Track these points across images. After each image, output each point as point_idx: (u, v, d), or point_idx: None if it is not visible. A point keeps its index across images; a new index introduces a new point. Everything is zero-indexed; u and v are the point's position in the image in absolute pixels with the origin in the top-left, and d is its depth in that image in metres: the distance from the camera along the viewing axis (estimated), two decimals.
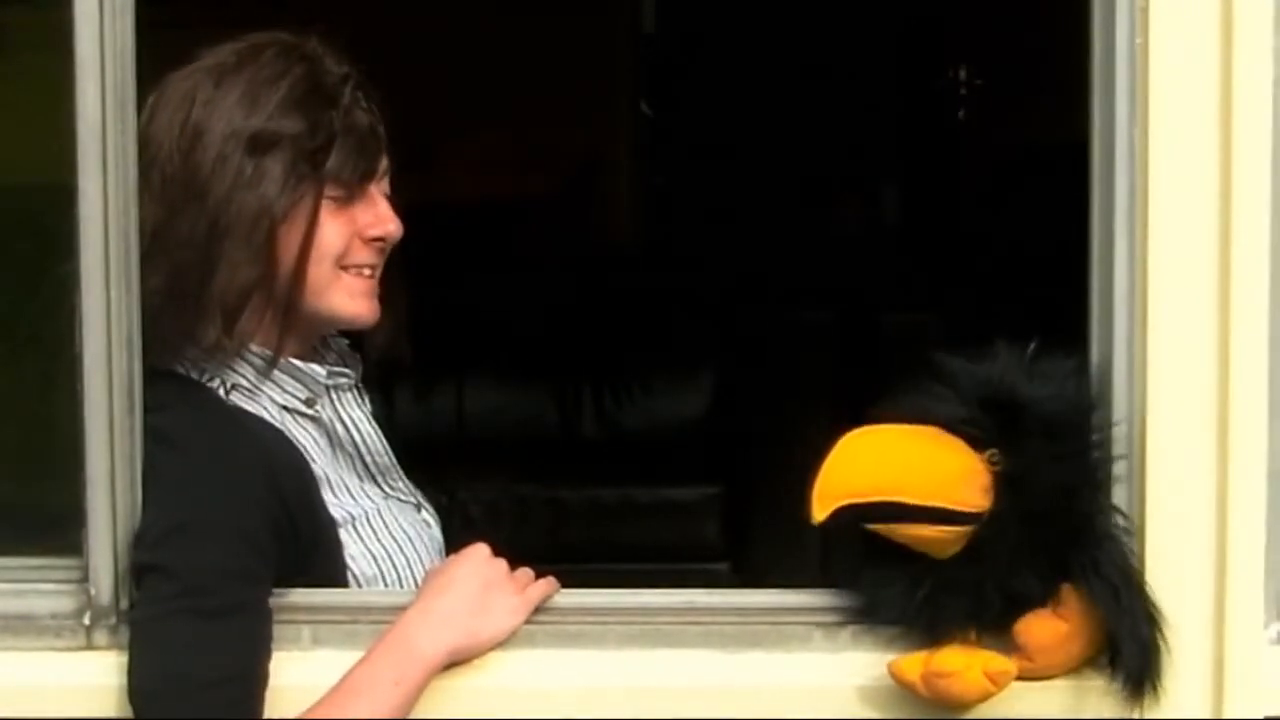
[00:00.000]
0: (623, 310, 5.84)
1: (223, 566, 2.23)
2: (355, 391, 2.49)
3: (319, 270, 2.36)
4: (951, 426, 2.21)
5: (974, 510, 2.19)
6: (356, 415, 2.47)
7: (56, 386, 2.37)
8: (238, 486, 2.28)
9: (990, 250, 6.67)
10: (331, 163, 2.34)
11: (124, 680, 2.25)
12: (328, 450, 2.44)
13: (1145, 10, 2.25)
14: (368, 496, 2.46)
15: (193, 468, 2.30)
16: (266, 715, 2.24)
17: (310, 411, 2.42)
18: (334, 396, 2.45)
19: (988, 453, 2.21)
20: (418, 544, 2.48)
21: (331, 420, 2.44)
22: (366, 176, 2.38)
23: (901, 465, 2.19)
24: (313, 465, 2.39)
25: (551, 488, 5.27)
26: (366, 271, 2.40)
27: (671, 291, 5.95)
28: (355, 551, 2.40)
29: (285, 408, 2.41)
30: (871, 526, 2.21)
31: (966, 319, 6.09)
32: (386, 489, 2.50)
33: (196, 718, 2.19)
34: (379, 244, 2.40)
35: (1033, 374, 2.24)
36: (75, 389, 2.32)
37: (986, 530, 2.20)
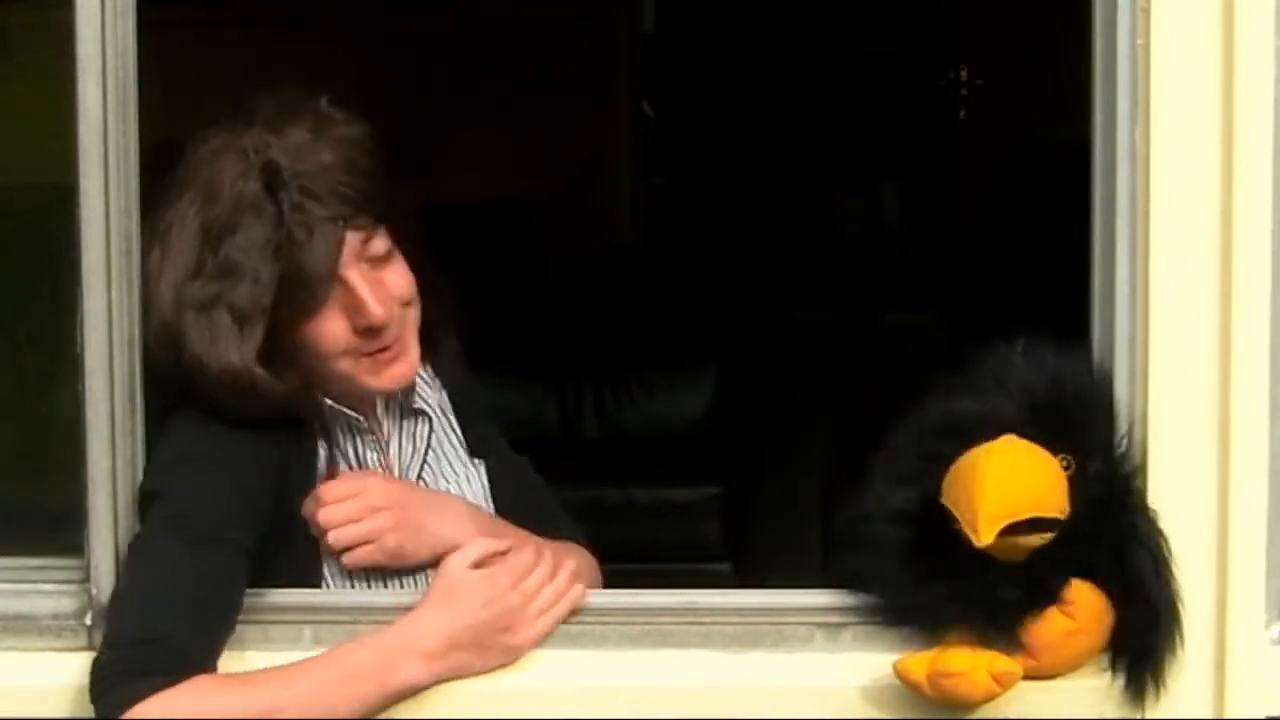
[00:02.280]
0: (623, 310, 5.83)
1: (207, 501, 2.27)
2: (374, 436, 2.47)
3: (328, 364, 2.36)
4: (1027, 431, 2.23)
5: (1066, 515, 2.22)
6: (371, 459, 2.46)
7: (58, 386, 2.37)
8: (244, 442, 2.31)
9: (990, 250, 6.68)
10: (279, 310, 2.32)
11: None
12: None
13: (1147, 11, 2.25)
14: None
15: (208, 419, 2.32)
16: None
17: (322, 436, 2.43)
18: (353, 434, 2.45)
19: (1061, 457, 2.23)
20: (406, 581, 2.45)
21: (346, 450, 2.44)
22: (308, 313, 2.33)
23: (1038, 483, 2.20)
24: (319, 462, 2.40)
25: (552, 488, 5.26)
26: (385, 351, 2.37)
27: (671, 291, 5.95)
28: (335, 570, 2.41)
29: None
30: (1000, 540, 2.21)
31: (966, 319, 6.09)
32: None
33: (154, 625, 2.22)
34: (374, 332, 2.35)
35: (1078, 373, 2.27)
36: (77, 389, 2.33)
37: (1062, 531, 2.22)
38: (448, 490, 2.52)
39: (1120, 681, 2.26)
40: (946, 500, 2.20)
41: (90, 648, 2.33)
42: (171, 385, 2.35)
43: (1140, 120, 2.27)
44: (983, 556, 2.21)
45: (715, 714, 2.32)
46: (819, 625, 2.34)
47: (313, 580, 2.38)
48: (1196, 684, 2.28)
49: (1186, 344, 2.28)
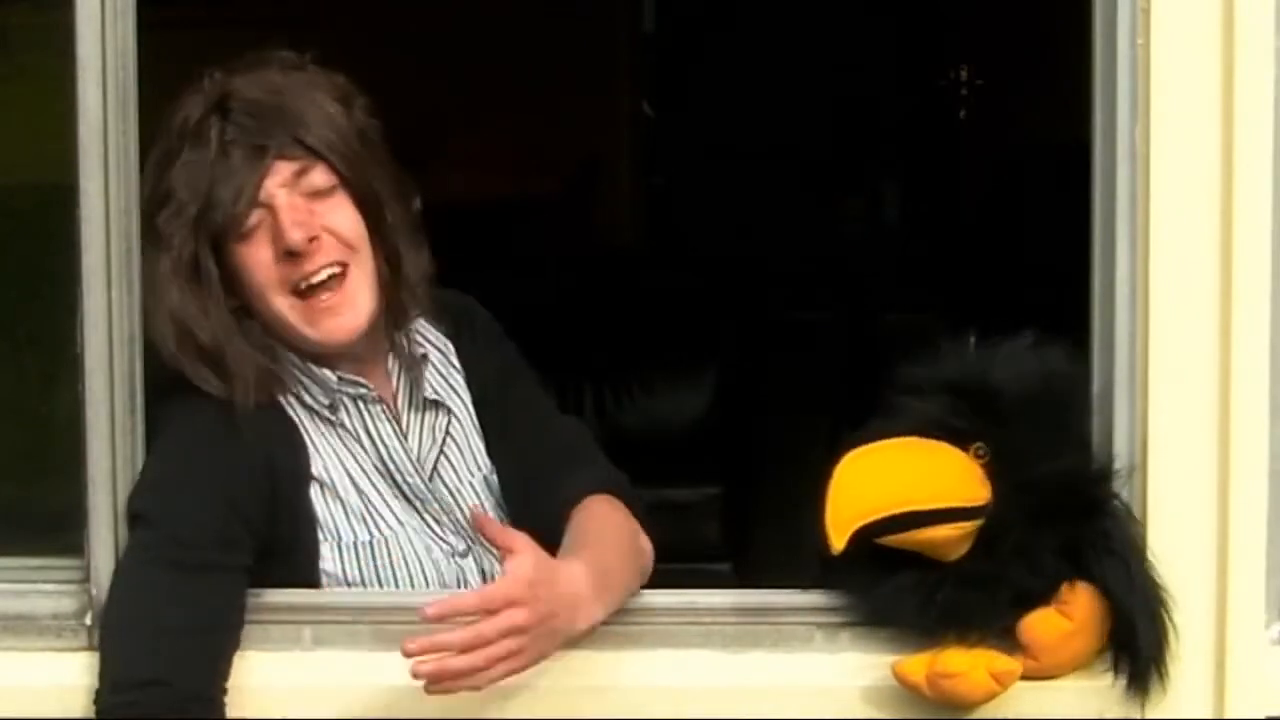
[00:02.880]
0: (623, 310, 5.83)
1: (202, 523, 2.26)
2: (384, 405, 2.46)
3: (265, 303, 2.36)
4: (929, 431, 2.23)
5: (978, 504, 2.20)
6: (385, 430, 2.46)
7: (57, 386, 2.37)
8: (235, 457, 2.30)
9: (990, 250, 6.67)
10: (201, 231, 2.34)
11: None
12: (350, 459, 2.43)
13: (1147, 11, 2.26)
14: (396, 517, 2.43)
15: (194, 433, 2.33)
16: (272, 715, 2.25)
17: (331, 416, 2.42)
18: (361, 407, 2.45)
19: (973, 447, 2.22)
20: (416, 581, 2.43)
21: (357, 430, 2.44)
22: (229, 233, 2.35)
23: (901, 476, 2.20)
24: (316, 466, 2.39)
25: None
26: (328, 287, 2.36)
27: (671, 291, 5.95)
28: (332, 569, 2.40)
29: (314, 409, 2.42)
30: (886, 539, 2.20)
31: (966, 319, 6.08)
32: (429, 519, 2.46)
33: (158, 665, 2.20)
34: (294, 256, 2.34)
35: (995, 359, 2.26)
36: (76, 389, 2.33)
37: (991, 522, 2.20)
38: (470, 481, 2.51)
39: (1120, 681, 2.26)
40: None
41: (90, 648, 2.33)
42: (157, 379, 2.36)
43: (1140, 120, 2.27)
44: (925, 558, 2.21)
45: (715, 714, 2.32)
46: (819, 625, 2.34)
47: (312, 571, 2.38)
48: (1196, 684, 2.28)
49: (1186, 344, 2.28)
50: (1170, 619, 2.25)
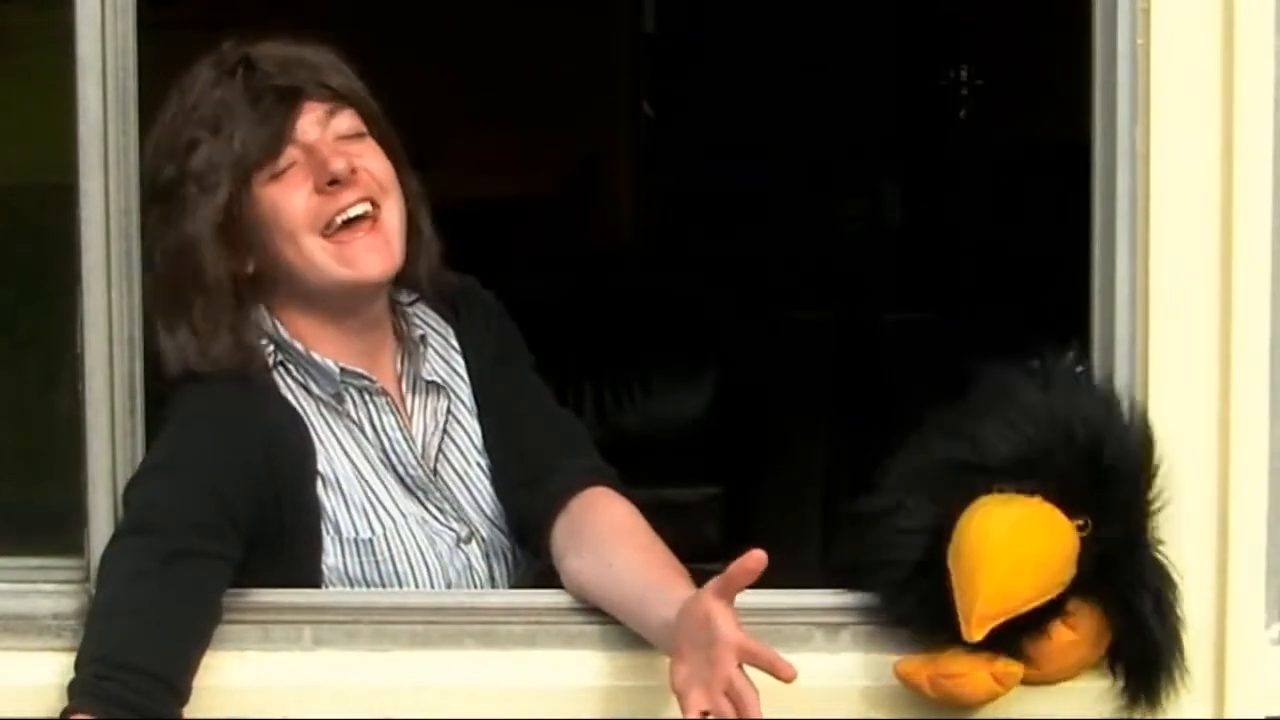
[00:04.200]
0: (623, 310, 5.83)
1: (181, 511, 2.26)
2: (388, 398, 2.47)
3: (296, 245, 2.37)
4: (1055, 496, 2.21)
5: (1066, 587, 2.21)
6: (388, 422, 2.46)
7: (57, 386, 2.37)
8: (230, 451, 2.30)
9: (991, 250, 6.67)
10: (236, 170, 2.37)
11: None
12: (356, 450, 2.44)
13: (1147, 11, 2.26)
14: (399, 509, 2.45)
15: (195, 424, 2.34)
16: (272, 715, 2.25)
17: (338, 406, 2.43)
18: (366, 399, 2.45)
19: (1078, 521, 2.21)
20: (419, 573, 2.44)
21: (361, 421, 2.44)
22: (261, 165, 2.37)
23: (1037, 573, 2.18)
24: (320, 460, 2.40)
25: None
26: (360, 228, 2.38)
27: (671, 291, 5.94)
28: (334, 563, 2.40)
29: (320, 399, 2.42)
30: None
31: (966, 319, 6.08)
32: (431, 509, 2.47)
33: (118, 635, 2.20)
34: (336, 186, 2.37)
35: (1108, 427, 2.24)
36: (76, 389, 2.33)
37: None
38: (475, 465, 2.51)
39: (1120, 683, 2.26)
40: (950, 563, 2.19)
41: None
42: (161, 381, 2.36)
43: (1140, 120, 2.27)
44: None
45: None
46: (819, 625, 2.34)
47: (315, 565, 2.38)
48: (1196, 684, 2.28)
49: (1186, 344, 2.28)
50: (1181, 654, 2.25)
